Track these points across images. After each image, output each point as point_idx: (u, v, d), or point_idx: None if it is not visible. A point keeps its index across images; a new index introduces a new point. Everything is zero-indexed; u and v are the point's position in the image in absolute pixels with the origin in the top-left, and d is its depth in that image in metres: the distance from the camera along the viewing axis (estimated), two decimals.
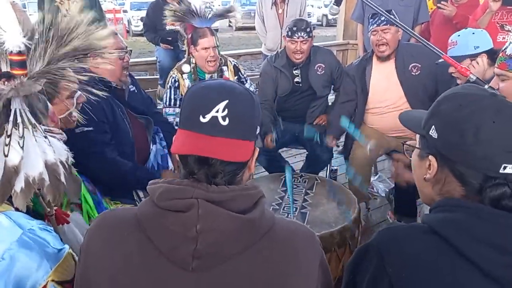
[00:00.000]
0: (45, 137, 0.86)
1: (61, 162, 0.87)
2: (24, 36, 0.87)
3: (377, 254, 0.76)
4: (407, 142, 0.93)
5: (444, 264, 0.72)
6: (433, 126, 0.81)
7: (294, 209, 1.93)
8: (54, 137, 0.89)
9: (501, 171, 0.73)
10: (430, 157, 0.82)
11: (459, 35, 1.97)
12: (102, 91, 1.55)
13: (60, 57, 0.95)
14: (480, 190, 0.76)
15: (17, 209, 0.86)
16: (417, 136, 0.89)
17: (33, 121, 0.84)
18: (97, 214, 1.23)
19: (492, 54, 1.91)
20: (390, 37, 2.29)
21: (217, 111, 0.73)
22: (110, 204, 1.46)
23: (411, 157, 0.91)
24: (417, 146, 0.88)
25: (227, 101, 0.73)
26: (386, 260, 0.74)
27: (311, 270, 0.75)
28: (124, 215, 0.77)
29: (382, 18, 2.24)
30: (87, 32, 0.98)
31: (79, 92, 1.15)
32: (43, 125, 0.89)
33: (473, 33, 1.96)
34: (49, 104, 0.94)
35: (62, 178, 0.86)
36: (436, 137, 0.80)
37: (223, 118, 0.73)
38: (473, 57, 1.90)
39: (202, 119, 0.73)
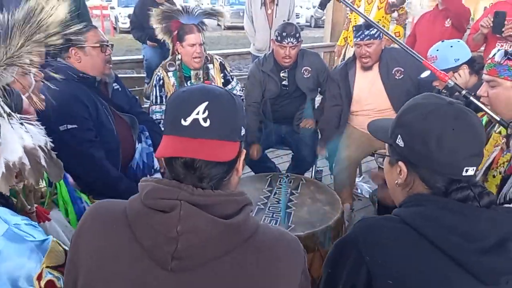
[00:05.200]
0: (21, 123, 0.87)
1: (40, 147, 0.88)
2: None
3: (355, 245, 0.80)
4: (377, 151, 0.98)
5: (417, 252, 0.76)
6: (399, 136, 0.85)
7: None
8: (30, 123, 0.90)
9: (464, 173, 0.79)
10: (400, 162, 0.86)
11: (437, 50, 2.02)
12: (87, 88, 1.50)
13: (22, 43, 0.93)
14: (445, 193, 0.81)
15: (1, 205, 0.88)
16: (387, 145, 0.93)
17: (7, 110, 0.85)
18: (71, 207, 1.23)
19: (471, 63, 1.97)
20: (373, 50, 2.35)
21: (197, 113, 0.73)
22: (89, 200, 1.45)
23: (382, 164, 0.96)
24: (387, 154, 0.92)
25: (207, 102, 0.74)
26: (363, 250, 0.78)
27: (293, 277, 0.75)
28: (114, 208, 0.78)
29: (366, 33, 2.29)
30: (42, 12, 0.96)
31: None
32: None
33: (451, 46, 2.01)
34: (23, 97, 0.93)
35: (43, 162, 0.88)
36: (402, 145, 0.84)
37: (204, 119, 0.73)
38: (455, 69, 1.95)
39: (183, 122, 0.73)
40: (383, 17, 3.64)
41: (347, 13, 4.04)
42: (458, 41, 2.08)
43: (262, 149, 2.69)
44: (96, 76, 1.82)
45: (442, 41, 2.09)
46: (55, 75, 1.07)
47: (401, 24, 3.78)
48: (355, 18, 3.80)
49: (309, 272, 1.77)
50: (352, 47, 3.79)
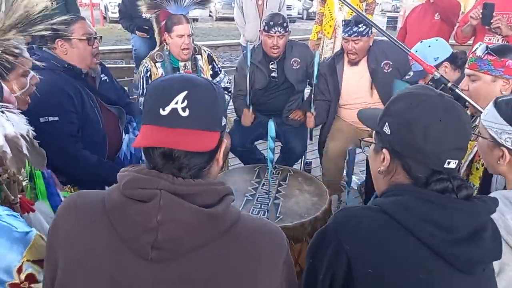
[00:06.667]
0: (2, 112, 0.86)
1: (22, 136, 0.87)
2: None
3: (335, 234, 0.81)
4: (364, 138, 0.99)
5: (396, 241, 0.77)
6: (386, 123, 0.86)
7: (272, 170, 1.96)
8: (12, 112, 0.88)
9: (445, 165, 0.80)
10: (384, 150, 0.87)
11: (416, 51, 2.04)
12: (73, 79, 1.50)
13: (6, 29, 0.93)
14: (425, 183, 0.82)
15: None
16: (374, 132, 0.93)
17: None
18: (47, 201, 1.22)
19: (453, 59, 2.00)
20: (359, 47, 2.37)
21: (176, 103, 0.72)
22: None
23: (367, 152, 0.97)
24: (373, 141, 0.93)
25: (186, 91, 0.72)
26: (343, 238, 0.79)
27: (275, 267, 0.75)
28: (93, 198, 0.76)
29: (354, 29, 2.31)
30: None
31: (32, 73, 1.13)
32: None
33: (429, 46, 2.04)
34: (4, 85, 0.93)
35: (25, 150, 0.87)
36: (389, 133, 0.85)
37: (183, 109, 0.72)
38: (436, 67, 1.97)
39: (162, 112, 0.72)
40: (357, 5, 3.64)
41: (320, 7, 4.05)
42: (437, 40, 2.10)
43: (255, 117, 2.63)
44: (82, 69, 1.79)
45: (421, 42, 2.11)
46: (37, 63, 1.05)
47: (371, 13, 3.81)
48: (329, 10, 3.83)
49: (297, 262, 1.80)
50: (329, 39, 3.88)
